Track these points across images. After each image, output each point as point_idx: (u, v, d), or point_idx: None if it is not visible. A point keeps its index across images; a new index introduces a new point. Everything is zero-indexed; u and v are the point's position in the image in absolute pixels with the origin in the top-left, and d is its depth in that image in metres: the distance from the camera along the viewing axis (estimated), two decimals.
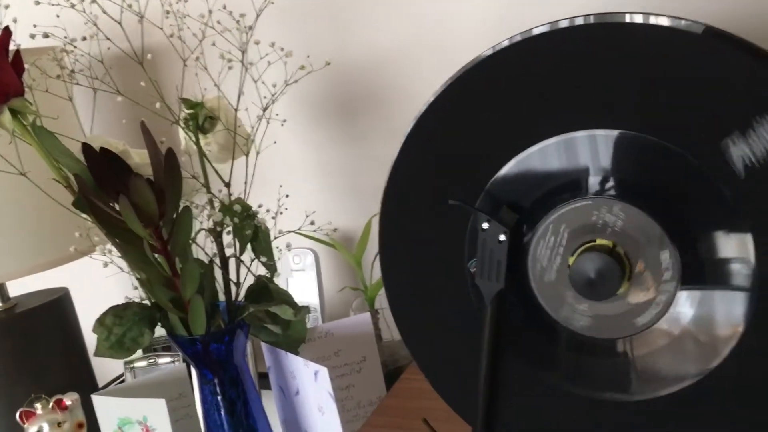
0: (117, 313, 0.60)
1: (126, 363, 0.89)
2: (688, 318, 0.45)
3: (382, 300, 0.82)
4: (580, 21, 0.44)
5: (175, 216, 0.57)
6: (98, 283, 0.94)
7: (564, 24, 0.45)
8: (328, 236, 0.81)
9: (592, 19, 0.44)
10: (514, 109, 0.47)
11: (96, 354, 0.61)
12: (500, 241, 0.48)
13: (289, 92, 0.64)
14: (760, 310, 0.42)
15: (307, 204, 0.72)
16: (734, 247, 0.43)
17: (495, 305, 0.49)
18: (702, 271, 0.44)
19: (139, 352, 0.93)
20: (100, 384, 0.93)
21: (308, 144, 0.86)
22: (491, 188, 0.49)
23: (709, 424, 0.46)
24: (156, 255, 0.57)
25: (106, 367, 0.93)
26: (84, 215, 0.62)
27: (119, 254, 0.62)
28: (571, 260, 0.47)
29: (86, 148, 0.53)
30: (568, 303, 0.48)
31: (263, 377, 0.82)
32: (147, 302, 0.62)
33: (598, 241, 0.47)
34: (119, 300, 0.65)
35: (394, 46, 0.79)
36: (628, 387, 0.48)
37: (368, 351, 0.77)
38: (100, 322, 0.60)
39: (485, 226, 0.49)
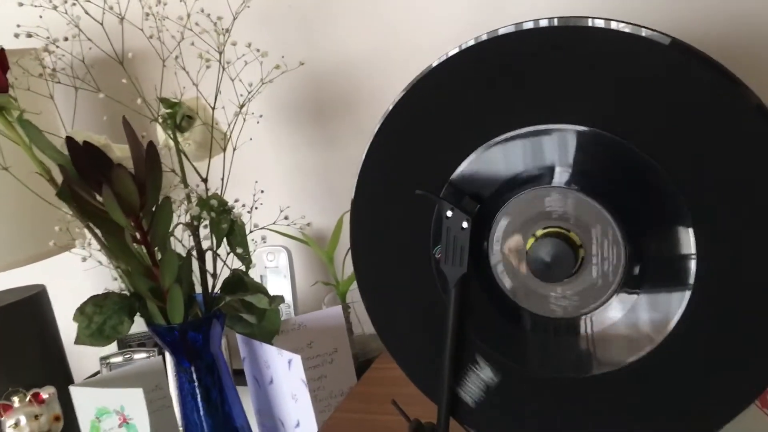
0: (97, 302, 0.63)
1: (102, 359, 0.91)
2: (633, 301, 0.49)
3: (352, 295, 0.85)
4: (544, 23, 0.48)
5: (154, 208, 0.60)
6: (74, 280, 0.96)
7: (528, 25, 0.48)
8: (302, 232, 0.84)
9: (555, 22, 0.47)
10: (475, 107, 0.51)
11: (76, 342, 0.63)
12: (463, 228, 0.52)
13: (264, 93, 0.68)
14: (698, 303, 0.46)
15: (281, 200, 0.75)
16: (678, 242, 0.47)
17: (459, 289, 0.53)
18: (645, 258, 0.48)
19: (115, 348, 0.95)
20: (76, 380, 0.94)
21: (282, 144, 0.89)
22: (454, 180, 0.53)
23: (659, 396, 0.49)
24: (136, 245, 0.60)
25: (82, 363, 0.94)
26: (65, 209, 0.64)
27: (98, 248, 0.65)
28: (528, 245, 0.51)
29: (70, 141, 0.55)
30: (531, 288, 0.52)
31: (238, 374, 0.85)
32: (126, 292, 0.65)
33: (553, 228, 0.50)
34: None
35: (364, 51, 0.82)
36: (587, 364, 0.52)
37: (340, 343, 0.80)
38: (81, 311, 0.62)
39: (449, 214, 0.52)
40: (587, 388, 0.51)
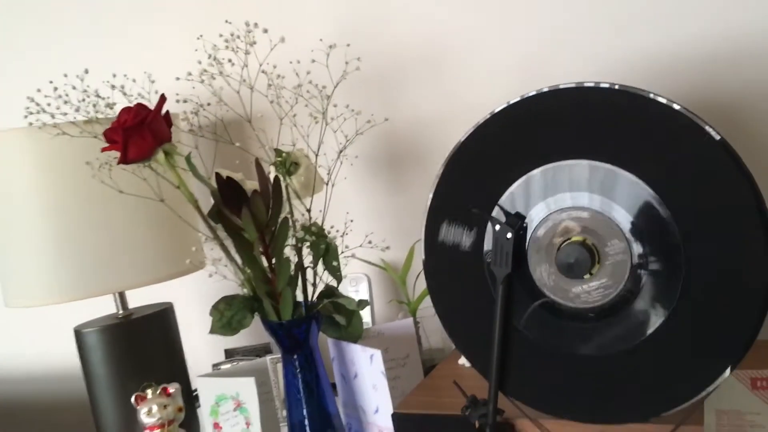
0: (227, 301, 0.82)
1: (214, 366, 1.10)
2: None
3: (421, 312, 1.02)
4: (563, 86, 0.66)
5: (274, 229, 0.79)
6: (189, 303, 1.17)
7: (544, 89, 0.67)
8: (381, 260, 1.02)
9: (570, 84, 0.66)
10: (517, 145, 0.69)
11: (211, 331, 0.82)
12: (508, 238, 0.69)
13: (356, 148, 0.88)
14: (686, 290, 0.62)
15: (366, 229, 0.94)
16: (664, 242, 0.63)
17: (505, 285, 0.70)
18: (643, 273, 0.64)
19: (223, 357, 1.14)
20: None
21: (367, 190, 1.09)
22: (501, 203, 0.70)
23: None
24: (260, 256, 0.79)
25: (195, 367, 1.13)
26: (201, 232, 0.84)
27: (225, 264, 0.84)
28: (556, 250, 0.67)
29: (218, 175, 0.76)
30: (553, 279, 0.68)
31: None
32: (249, 295, 0.84)
33: (574, 238, 0.67)
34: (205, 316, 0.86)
35: (431, 112, 1.02)
36: (598, 344, 0.67)
37: (411, 349, 0.96)
38: (215, 308, 0.81)
39: (497, 228, 0.69)
40: (610, 364, 0.67)
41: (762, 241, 0.59)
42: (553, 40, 0.97)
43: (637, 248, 0.64)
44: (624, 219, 0.64)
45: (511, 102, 0.69)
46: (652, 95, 0.62)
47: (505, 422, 0.71)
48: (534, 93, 0.67)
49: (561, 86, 0.66)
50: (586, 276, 0.66)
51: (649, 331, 0.64)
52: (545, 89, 0.66)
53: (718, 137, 0.59)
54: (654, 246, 0.63)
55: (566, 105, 0.66)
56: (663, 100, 0.61)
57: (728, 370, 0.61)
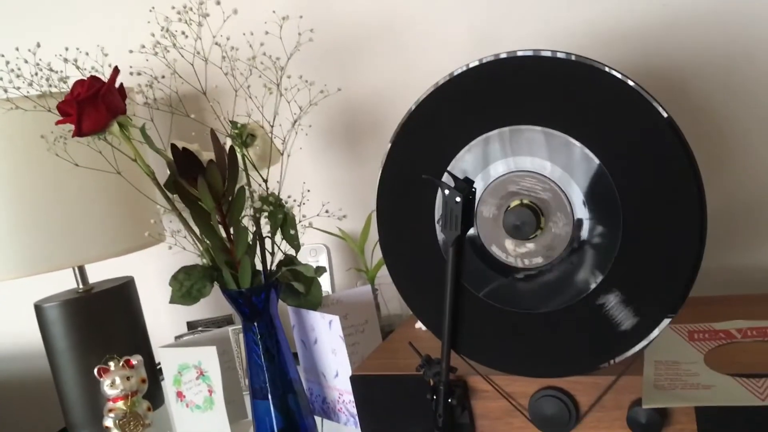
0: (187, 271, 0.83)
1: (176, 338, 1.11)
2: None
3: (379, 279, 1.05)
4: (504, 56, 0.68)
5: (231, 198, 0.81)
6: (151, 277, 1.18)
7: (488, 59, 0.69)
8: (338, 228, 1.04)
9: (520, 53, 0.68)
10: (464, 113, 0.71)
11: (171, 301, 0.83)
12: (457, 202, 0.71)
13: (311, 115, 0.89)
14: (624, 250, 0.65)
15: (323, 198, 0.96)
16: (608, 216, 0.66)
17: (455, 247, 0.72)
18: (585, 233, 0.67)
19: (185, 329, 1.15)
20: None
21: (324, 161, 1.11)
22: (450, 168, 0.73)
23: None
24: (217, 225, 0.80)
25: (158, 340, 1.14)
26: (159, 204, 0.85)
27: (184, 235, 0.86)
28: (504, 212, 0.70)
29: (173, 146, 0.77)
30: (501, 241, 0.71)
31: None
32: (208, 264, 0.85)
33: (519, 202, 0.70)
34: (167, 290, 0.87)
35: (386, 82, 1.04)
36: (543, 302, 0.70)
37: (369, 315, 0.99)
38: (175, 278, 0.83)
39: (447, 192, 0.72)
40: (554, 321, 0.70)
41: (697, 212, 0.62)
42: (507, 10, 0.99)
43: (580, 212, 0.67)
44: (567, 183, 0.67)
45: (470, 65, 0.70)
46: (607, 68, 0.64)
47: (457, 379, 0.74)
48: (491, 58, 0.69)
49: (518, 53, 0.68)
50: (532, 237, 0.69)
51: (591, 287, 0.67)
52: (503, 55, 0.68)
53: (665, 115, 0.62)
54: (595, 212, 0.66)
55: (522, 72, 0.68)
56: (618, 75, 0.63)
57: (665, 323, 0.64)
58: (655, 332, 0.65)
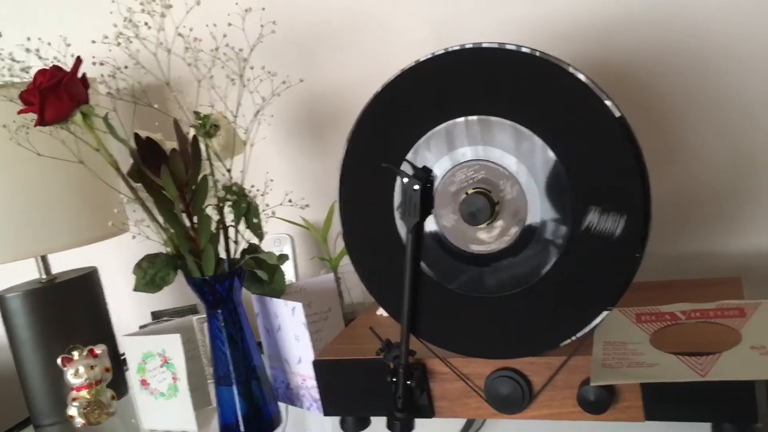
0: (150, 259, 0.84)
1: (141, 327, 1.12)
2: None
3: (342, 268, 1.07)
4: (456, 48, 0.71)
5: (194, 187, 0.82)
6: (115, 267, 1.18)
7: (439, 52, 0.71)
8: (302, 217, 1.06)
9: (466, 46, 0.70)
10: (422, 105, 0.73)
11: (135, 289, 0.84)
12: (415, 190, 0.73)
13: (274, 106, 0.90)
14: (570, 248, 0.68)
15: (286, 188, 0.97)
16: (557, 208, 0.69)
17: (414, 233, 0.74)
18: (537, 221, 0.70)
19: (150, 319, 1.16)
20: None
21: (287, 152, 1.12)
22: (409, 158, 0.75)
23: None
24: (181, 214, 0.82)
25: (122, 330, 1.14)
26: (123, 194, 0.86)
27: (148, 224, 0.86)
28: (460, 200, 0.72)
29: (137, 136, 0.78)
30: (457, 227, 0.73)
31: None
32: (172, 253, 0.86)
33: (480, 190, 0.72)
34: (131, 280, 0.88)
35: (350, 76, 1.06)
36: (498, 286, 0.73)
37: (332, 303, 1.01)
38: (138, 266, 0.84)
39: (406, 180, 0.74)
40: (509, 303, 0.72)
41: (642, 205, 0.65)
42: (467, 6, 1.02)
43: (534, 201, 0.69)
44: (523, 173, 0.69)
45: (436, 53, 0.72)
46: (571, 69, 0.66)
47: (417, 362, 0.77)
48: (458, 48, 0.71)
49: (484, 44, 0.70)
50: (486, 223, 0.71)
51: (543, 271, 0.70)
52: (468, 45, 0.70)
53: (618, 114, 0.65)
54: (549, 202, 0.69)
55: (487, 64, 0.70)
56: (582, 77, 0.66)
57: (609, 307, 0.67)
58: (602, 316, 0.68)
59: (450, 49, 0.71)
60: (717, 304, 0.75)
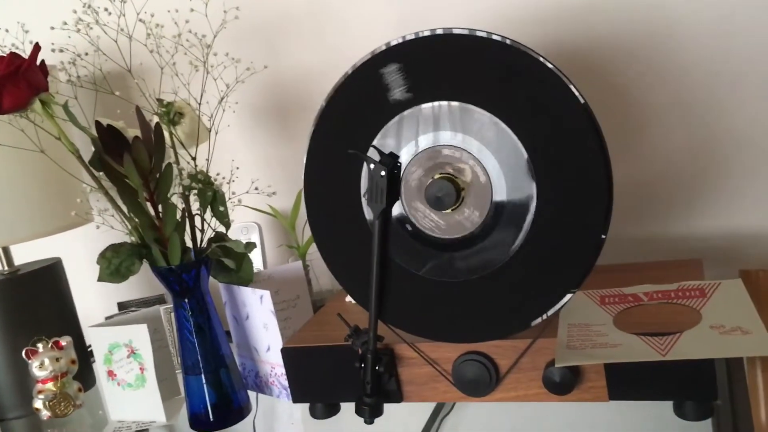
0: (114, 249, 0.83)
1: (107, 318, 1.11)
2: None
3: (310, 256, 1.06)
4: (426, 33, 0.71)
5: (158, 175, 0.81)
6: (80, 258, 1.16)
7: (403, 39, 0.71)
8: (269, 205, 1.05)
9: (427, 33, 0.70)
10: (389, 90, 0.73)
11: (99, 279, 0.83)
12: (382, 176, 0.74)
13: (238, 92, 0.90)
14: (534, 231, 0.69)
15: (252, 176, 0.97)
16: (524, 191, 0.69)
17: (381, 219, 0.74)
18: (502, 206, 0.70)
19: (116, 310, 1.15)
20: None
21: (253, 139, 1.11)
22: (375, 144, 0.75)
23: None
24: (145, 203, 0.81)
25: (88, 322, 1.13)
26: (86, 183, 0.85)
27: (112, 214, 0.85)
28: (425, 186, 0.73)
29: (98, 123, 0.77)
30: (424, 213, 0.73)
31: None
32: (137, 242, 0.85)
33: (446, 174, 0.72)
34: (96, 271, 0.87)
35: (314, 63, 1.05)
36: (465, 270, 0.73)
37: (301, 291, 1.01)
38: (102, 255, 0.83)
39: (372, 166, 0.74)
40: (475, 288, 0.73)
41: (605, 188, 0.66)
42: None
43: (498, 185, 0.70)
44: (489, 159, 0.70)
45: (406, 38, 0.71)
46: (542, 59, 0.66)
47: (385, 347, 0.77)
48: (428, 33, 0.70)
49: (454, 30, 0.69)
50: (452, 209, 0.72)
51: (509, 255, 0.70)
52: (439, 30, 0.70)
53: (582, 101, 0.65)
54: (513, 185, 0.69)
55: (455, 50, 0.70)
56: (550, 66, 0.66)
57: (574, 290, 0.68)
58: (566, 299, 0.69)
59: (421, 35, 0.71)
60: (678, 286, 0.76)
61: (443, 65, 0.71)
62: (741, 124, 0.94)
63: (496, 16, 1.00)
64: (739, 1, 0.90)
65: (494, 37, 0.68)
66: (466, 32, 0.69)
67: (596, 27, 0.97)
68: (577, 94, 0.65)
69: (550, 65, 0.66)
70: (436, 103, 0.72)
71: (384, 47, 0.73)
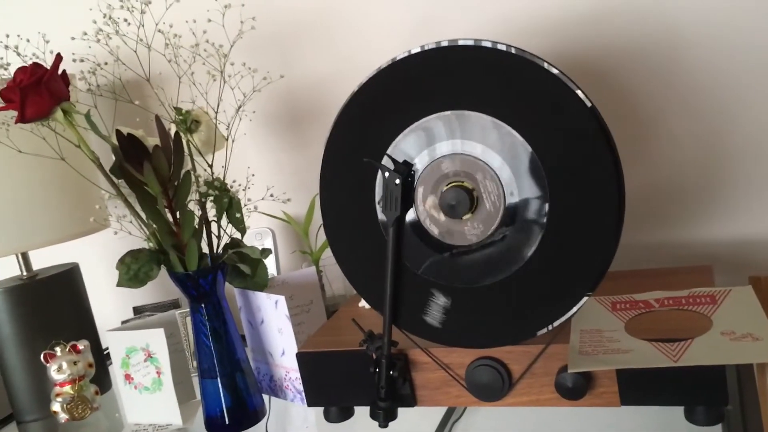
0: (134, 255, 0.85)
1: (123, 322, 1.12)
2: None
3: (323, 261, 1.08)
4: (431, 46, 0.72)
5: (177, 182, 0.82)
6: (96, 263, 1.18)
7: (416, 50, 0.72)
8: (283, 212, 1.07)
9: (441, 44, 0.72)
10: (401, 100, 0.74)
11: (118, 284, 0.85)
12: (396, 184, 0.75)
13: (255, 102, 0.91)
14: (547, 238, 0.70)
15: (268, 182, 0.98)
16: (534, 198, 0.70)
17: (395, 227, 0.76)
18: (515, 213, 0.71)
19: (132, 315, 1.16)
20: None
21: (268, 147, 1.13)
22: (390, 152, 0.76)
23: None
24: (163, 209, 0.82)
25: (104, 326, 1.15)
26: (104, 189, 0.87)
27: (130, 220, 0.87)
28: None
29: (118, 132, 0.78)
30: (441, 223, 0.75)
31: None
32: (155, 248, 0.87)
33: (459, 183, 0.73)
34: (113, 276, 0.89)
35: (328, 73, 1.07)
36: (477, 278, 0.74)
37: (314, 296, 1.02)
38: (122, 261, 0.84)
39: (387, 174, 0.75)
40: (489, 294, 0.74)
41: (616, 194, 0.67)
42: (446, 4, 1.03)
43: (510, 193, 0.71)
44: (500, 166, 0.71)
45: (413, 51, 0.73)
46: (546, 65, 0.68)
47: (399, 353, 0.78)
48: (433, 46, 0.72)
49: (460, 42, 0.71)
50: (466, 216, 0.73)
51: (523, 261, 0.71)
52: (444, 43, 0.71)
53: (589, 105, 0.66)
54: (524, 188, 0.70)
55: (462, 61, 0.71)
56: (555, 71, 0.67)
57: (586, 296, 0.69)
58: (580, 304, 0.70)
59: (426, 47, 0.72)
60: (689, 292, 0.77)
61: (450, 76, 0.72)
62: (750, 130, 0.95)
63: (505, 24, 1.01)
64: (746, 8, 0.91)
65: (499, 46, 0.69)
66: (471, 43, 0.71)
67: (605, 35, 0.98)
68: (583, 97, 0.67)
69: (555, 71, 0.67)
70: (446, 113, 0.73)
71: (390, 62, 0.74)
